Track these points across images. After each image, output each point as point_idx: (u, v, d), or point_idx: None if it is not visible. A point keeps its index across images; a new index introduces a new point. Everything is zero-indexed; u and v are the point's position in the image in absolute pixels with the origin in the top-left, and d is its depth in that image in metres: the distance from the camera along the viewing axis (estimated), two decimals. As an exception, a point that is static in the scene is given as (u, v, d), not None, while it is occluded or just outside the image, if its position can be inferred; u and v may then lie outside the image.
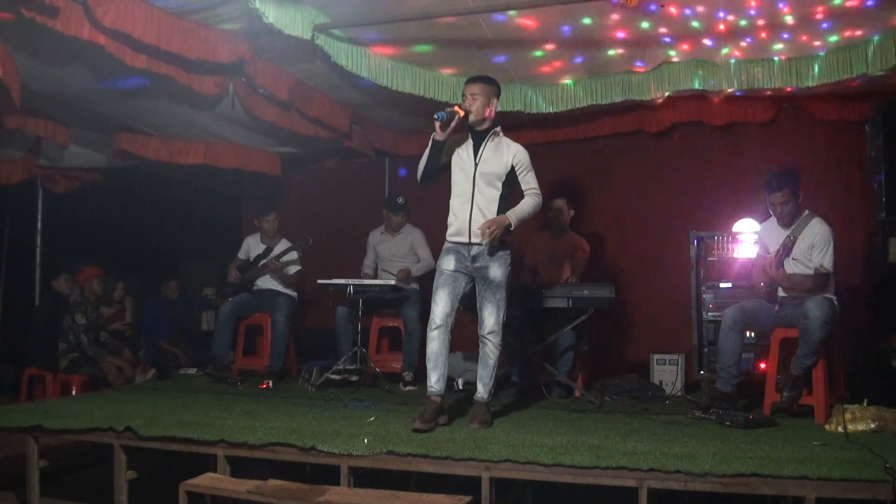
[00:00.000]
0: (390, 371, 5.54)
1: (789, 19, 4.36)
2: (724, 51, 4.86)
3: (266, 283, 5.94)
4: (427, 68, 5.08)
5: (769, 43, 4.70)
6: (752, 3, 4.21)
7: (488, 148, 3.87)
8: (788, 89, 5.07)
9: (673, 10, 4.30)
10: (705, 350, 5.34)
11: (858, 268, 5.58)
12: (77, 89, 4.86)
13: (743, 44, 4.75)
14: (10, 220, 6.94)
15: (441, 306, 3.84)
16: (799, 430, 3.69)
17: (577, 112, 5.55)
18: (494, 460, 3.21)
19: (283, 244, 5.93)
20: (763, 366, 4.78)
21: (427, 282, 4.55)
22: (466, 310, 4.06)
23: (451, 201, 3.94)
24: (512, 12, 4.30)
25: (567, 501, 3.59)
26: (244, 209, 7.54)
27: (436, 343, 3.85)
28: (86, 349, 6.01)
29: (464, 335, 4.27)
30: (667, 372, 5.35)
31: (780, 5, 4.21)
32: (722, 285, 5.38)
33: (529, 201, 3.89)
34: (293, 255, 5.85)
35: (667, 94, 5.22)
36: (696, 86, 5.09)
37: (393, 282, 5.42)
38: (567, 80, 5.37)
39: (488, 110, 3.87)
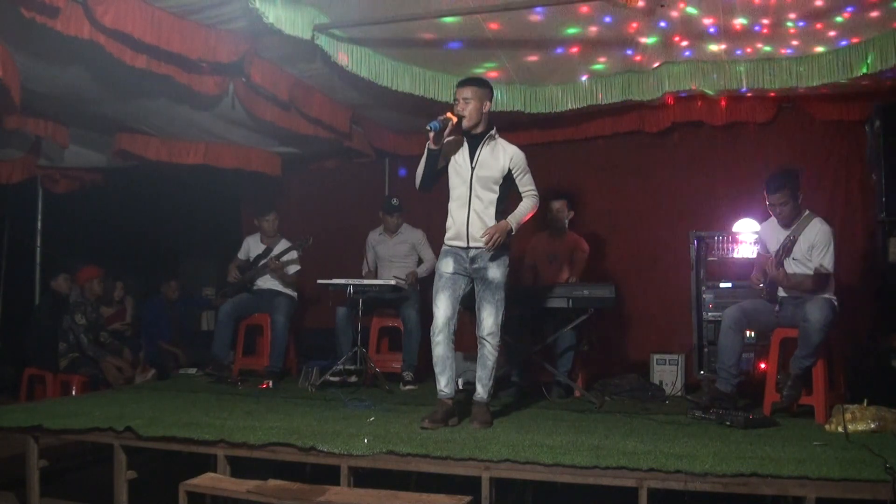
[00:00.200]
0: (390, 371, 5.54)
1: (791, 19, 4.36)
2: (725, 51, 4.86)
3: (266, 282, 5.94)
4: (427, 68, 5.08)
5: (769, 43, 4.70)
6: (753, 3, 4.21)
7: (484, 151, 3.86)
8: (789, 89, 5.07)
9: (674, 13, 4.30)
10: (705, 350, 5.34)
11: (858, 268, 5.58)
12: (77, 89, 4.86)
13: (743, 44, 4.75)
14: (10, 220, 6.93)
15: (442, 310, 3.85)
16: (799, 430, 3.69)
17: (577, 112, 5.55)
18: (494, 460, 3.21)
19: (283, 244, 5.93)
20: (763, 366, 4.78)
21: (427, 282, 4.55)
22: (466, 310, 4.06)
23: (449, 205, 3.94)
24: (512, 13, 4.30)
25: (567, 501, 3.58)
26: (244, 209, 7.54)
27: (441, 347, 3.86)
28: (86, 349, 6.01)
29: (464, 335, 4.27)
30: (667, 372, 5.35)
31: (782, 6, 4.21)
32: (722, 285, 5.38)
33: (528, 203, 3.90)
34: (293, 254, 5.85)
35: (667, 94, 5.22)
36: (697, 86, 5.09)
37: (393, 282, 5.42)
38: (567, 80, 5.36)
39: (482, 113, 3.85)
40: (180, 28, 4.09)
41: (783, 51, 4.80)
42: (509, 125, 5.96)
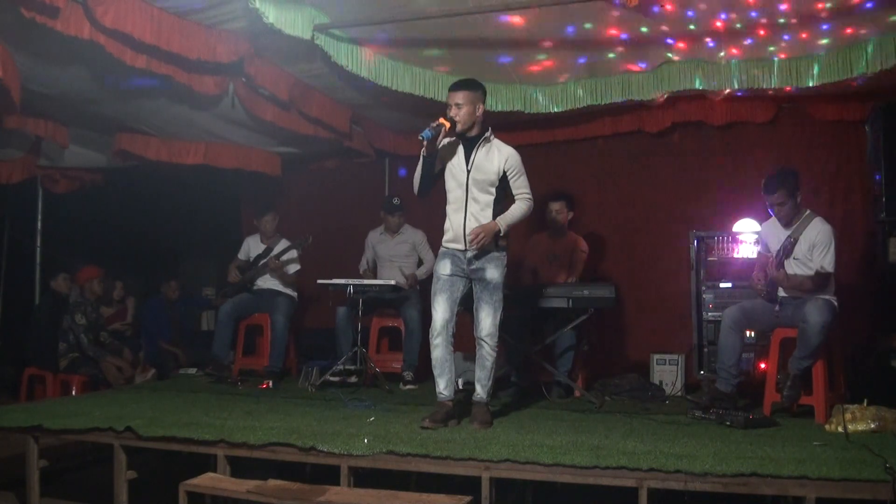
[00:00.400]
0: (390, 371, 5.54)
1: (789, 19, 4.36)
2: (724, 51, 4.86)
3: (266, 282, 5.94)
4: (427, 68, 5.08)
5: (769, 43, 4.70)
6: (752, 3, 4.21)
7: (479, 154, 3.85)
8: (788, 89, 5.07)
9: (673, 9, 4.30)
10: (705, 350, 5.34)
11: (858, 268, 5.58)
12: (77, 89, 4.86)
13: (743, 44, 4.75)
14: (10, 220, 6.93)
15: (441, 312, 3.85)
16: (799, 430, 3.70)
17: (577, 112, 5.55)
18: (494, 460, 3.21)
19: (283, 243, 5.94)
20: (763, 366, 4.78)
21: (428, 282, 4.55)
22: (466, 311, 4.06)
23: (446, 208, 3.95)
24: (512, 13, 4.29)
25: (567, 501, 3.59)
26: (244, 209, 7.54)
27: (439, 350, 3.86)
28: (86, 349, 6.01)
29: (464, 335, 4.27)
30: (667, 372, 5.35)
31: (781, 6, 4.21)
32: (722, 285, 5.38)
33: (520, 206, 3.89)
34: (293, 253, 5.85)
35: (667, 94, 5.22)
36: (696, 86, 5.09)
37: (393, 282, 5.42)
38: (567, 80, 5.36)
39: (475, 117, 3.84)
40: (180, 28, 4.09)
41: (782, 55, 4.81)
42: (509, 125, 5.97)
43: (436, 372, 3.89)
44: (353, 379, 5.23)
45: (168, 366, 6.68)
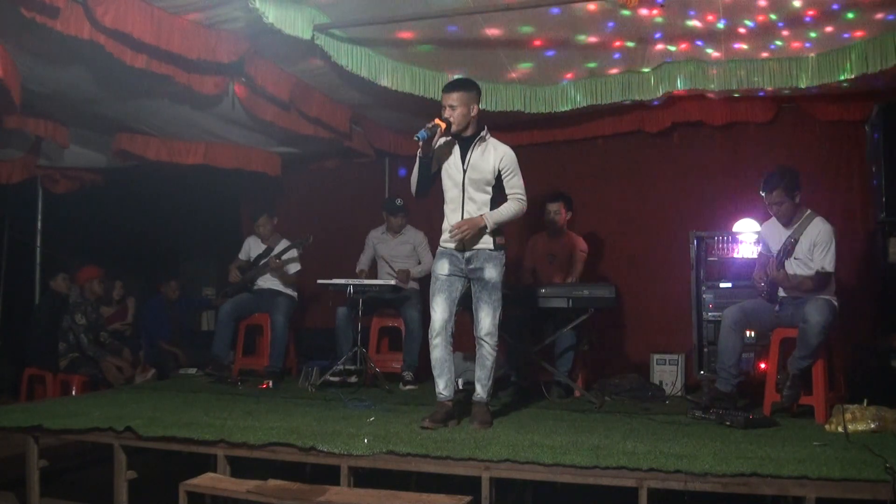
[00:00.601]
0: (390, 371, 5.54)
1: (789, 19, 4.36)
2: (724, 51, 4.86)
3: (266, 282, 5.94)
4: (427, 68, 5.08)
5: (769, 43, 4.70)
6: (751, 3, 4.21)
7: (475, 153, 3.85)
8: (788, 89, 5.07)
9: (672, 10, 4.31)
10: (705, 350, 5.34)
11: (858, 268, 5.58)
12: (77, 89, 4.86)
13: (742, 44, 4.75)
14: (10, 220, 6.93)
15: (439, 313, 3.86)
16: (799, 430, 3.69)
17: (577, 112, 5.55)
18: (494, 460, 3.21)
19: (283, 243, 5.94)
20: (763, 366, 4.78)
21: (428, 282, 4.56)
22: (466, 310, 4.06)
23: (444, 208, 3.95)
24: (511, 13, 4.30)
25: (567, 501, 3.58)
26: (244, 209, 7.54)
27: (439, 350, 3.86)
28: (86, 349, 6.02)
29: (464, 335, 4.27)
30: (667, 372, 5.35)
31: (783, 5, 4.21)
32: (722, 285, 5.38)
33: (512, 206, 3.87)
34: (293, 253, 5.85)
35: (667, 94, 5.22)
36: (696, 86, 5.09)
37: (393, 282, 5.42)
38: (567, 81, 5.36)
39: (470, 117, 3.84)
40: (180, 28, 4.09)
41: (783, 55, 4.81)
42: (509, 125, 5.97)
43: (435, 372, 3.90)
44: (353, 379, 5.23)
45: (168, 366, 6.68)
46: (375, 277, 5.75)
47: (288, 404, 4.54)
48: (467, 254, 3.86)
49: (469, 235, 3.79)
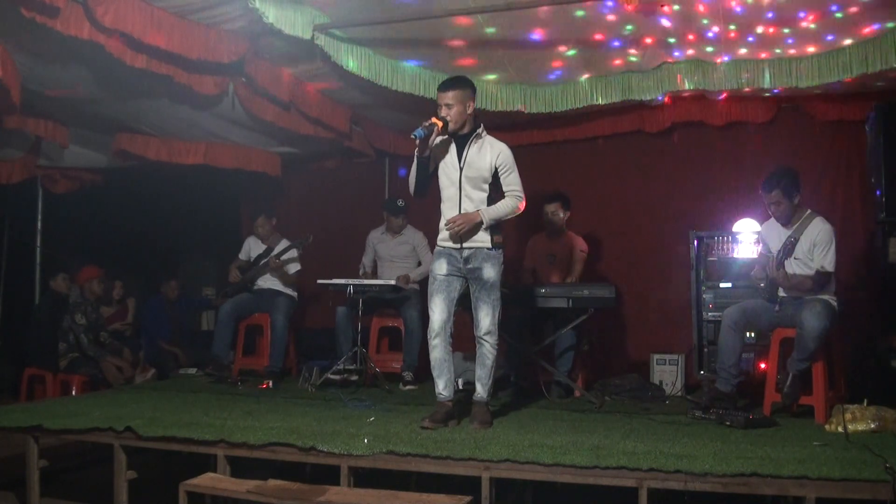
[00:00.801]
0: (390, 371, 5.54)
1: (789, 19, 4.36)
2: (724, 51, 4.86)
3: (266, 282, 5.94)
4: (427, 68, 5.07)
5: (769, 43, 4.70)
6: (751, 3, 4.21)
7: (472, 151, 3.84)
8: (788, 89, 5.07)
9: (673, 9, 4.30)
10: (705, 350, 5.34)
11: (858, 268, 5.58)
12: (77, 89, 4.85)
13: (742, 44, 4.75)
14: (10, 220, 6.93)
15: (438, 313, 3.85)
16: (799, 430, 3.69)
17: (577, 112, 5.55)
18: (494, 460, 3.21)
19: (283, 243, 5.94)
20: (763, 366, 4.78)
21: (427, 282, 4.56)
22: (465, 310, 4.06)
23: (441, 206, 3.94)
24: (514, 13, 4.30)
25: (567, 501, 3.58)
26: (244, 209, 7.54)
27: (438, 351, 3.86)
28: (86, 349, 6.02)
29: (464, 335, 4.27)
30: (667, 372, 5.35)
31: (783, 6, 4.22)
32: (722, 285, 5.37)
33: (508, 202, 3.86)
34: (293, 253, 5.85)
35: (667, 94, 5.22)
36: (696, 86, 5.09)
37: (393, 282, 5.42)
38: (567, 81, 5.36)
39: (466, 115, 3.84)
40: (180, 28, 4.09)
41: (783, 55, 4.81)
42: (509, 125, 5.97)
43: (435, 373, 3.89)
44: (353, 379, 5.23)
45: (168, 366, 6.68)
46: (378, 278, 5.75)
47: (288, 404, 4.54)
48: (465, 253, 3.85)
49: (465, 229, 3.79)
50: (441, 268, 3.89)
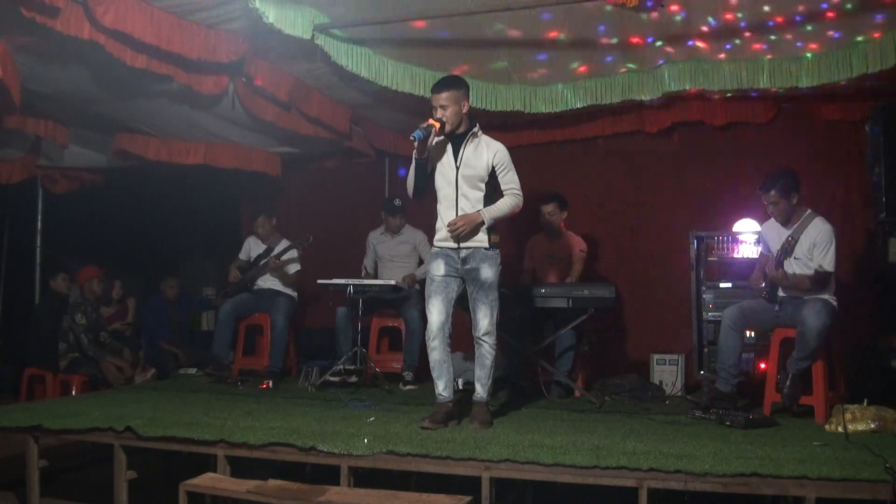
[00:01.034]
0: (390, 371, 5.53)
1: (788, 20, 4.36)
2: (723, 51, 4.86)
3: (266, 282, 5.94)
4: (427, 68, 5.07)
5: (768, 43, 4.70)
6: (751, 4, 4.21)
7: (468, 150, 3.84)
8: (788, 89, 5.07)
9: (673, 8, 4.30)
10: (705, 350, 5.34)
11: (858, 268, 5.58)
12: (77, 89, 4.85)
13: (742, 44, 4.75)
14: (10, 220, 6.93)
15: (436, 315, 3.85)
16: (799, 430, 3.70)
17: (577, 112, 5.54)
18: (494, 460, 3.21)
19: (283, 243, 5.94)
20: (763, 366, 4.78)
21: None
22: (465, 311, 4.06)
23: (437, 206, 3.94)
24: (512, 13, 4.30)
25: (567, 501, 3.58)
26: (244, 209, 7.54)
27: (437, 352, 3.86)
28: (86, 349, 6.01)
29: (463, 335, 4.27)
30: (667, 372, 5.35)
31: (782, 6, 4.22)
32: (722, 285, 5.38)
33: (508, 201, 3.86)
34: (293, 253, 5.85)
35: (667, 94, 5.21)
36: (696, 86, 5.08)
37: (393, 282, 5.42)
38: (567, 81, 5.36)
39: (462, 114, 3.84)
40: (180, 28, 4.08)
41: (782, 55, 4.80)
42: (509, 125, 5.97)
43: (434, 374, 3.89)
44: (353, 379, 5.23)
45: (168, 366, 6.67)
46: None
47: (288, 404, 4.54)
48: (463, 253, 3.85)
49: (466, 231, 3.79)
50: (438, 269, 3.88)
